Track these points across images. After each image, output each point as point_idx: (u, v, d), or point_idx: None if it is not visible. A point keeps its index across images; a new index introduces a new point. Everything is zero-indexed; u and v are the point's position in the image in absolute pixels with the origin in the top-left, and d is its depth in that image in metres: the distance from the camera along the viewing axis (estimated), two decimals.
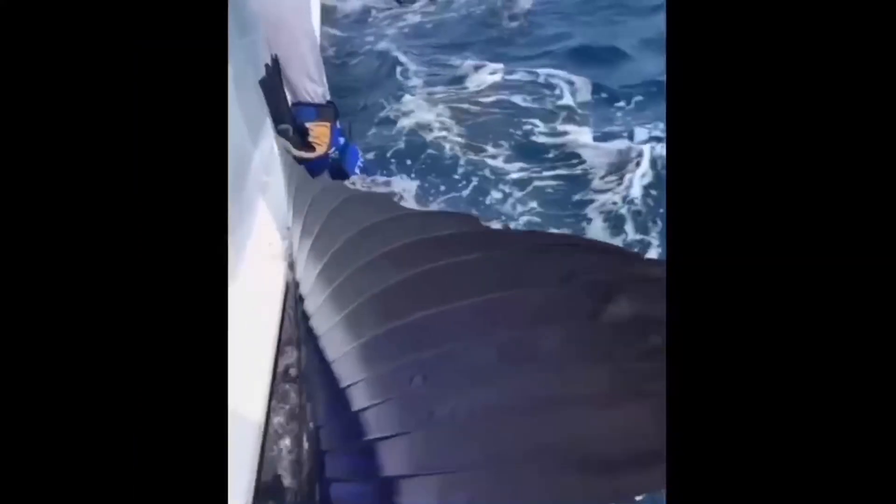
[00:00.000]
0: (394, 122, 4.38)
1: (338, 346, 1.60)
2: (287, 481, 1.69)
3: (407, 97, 4.71)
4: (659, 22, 5.14)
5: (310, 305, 1.75)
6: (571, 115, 4.37)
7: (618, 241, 3.16)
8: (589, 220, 3.39)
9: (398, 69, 5.32)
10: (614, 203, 3.47)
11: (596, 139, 4.05)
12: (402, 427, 1.46)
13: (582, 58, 5.20)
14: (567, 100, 4.62)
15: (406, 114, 4.47)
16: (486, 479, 1.36)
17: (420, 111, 4.51)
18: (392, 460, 1.42)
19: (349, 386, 1.55)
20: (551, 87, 4.80)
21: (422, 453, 1.41)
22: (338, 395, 1.54)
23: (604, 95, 4.63)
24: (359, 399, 1.51)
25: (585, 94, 4.67)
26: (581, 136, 4.11)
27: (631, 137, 3.99)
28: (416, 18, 6.64)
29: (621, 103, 4.54)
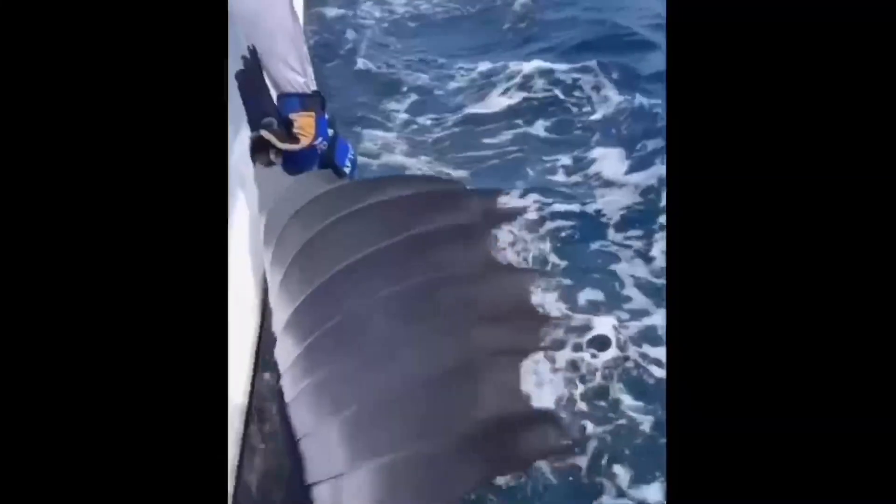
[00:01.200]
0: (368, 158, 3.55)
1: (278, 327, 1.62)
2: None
3: (379, 134, 3.79)
4: None
5: (271, 286, 1.74)
6: (603, 139, 3.66)
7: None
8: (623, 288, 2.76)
9: (379, 83, 4.29)
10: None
11: (629, 169, 3.40)
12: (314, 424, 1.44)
13: (599, 50, 4.40)
14: (597, 114, 3.86)
15: (377, 156, 3.60)
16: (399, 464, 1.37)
17: (400, 156, 3.65)
18: (308, 465, 1.41)
19: (283, 375, 1.55)
20: (579, 105, 3.96)
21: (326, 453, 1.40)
22: (281, 392, 1.53)
23: (627, 97, 3.91)
24: (288, 391, 1.50)
25: (613, 97, 3.94)
26: (609, 163, 3.46)
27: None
28: (411, 13, 5.45)
29: (642, 99, 3.85)
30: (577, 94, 4.03)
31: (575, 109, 3.93)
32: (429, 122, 3.95)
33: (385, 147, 3.67)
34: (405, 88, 4.28)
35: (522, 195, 3.27)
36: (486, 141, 3.76)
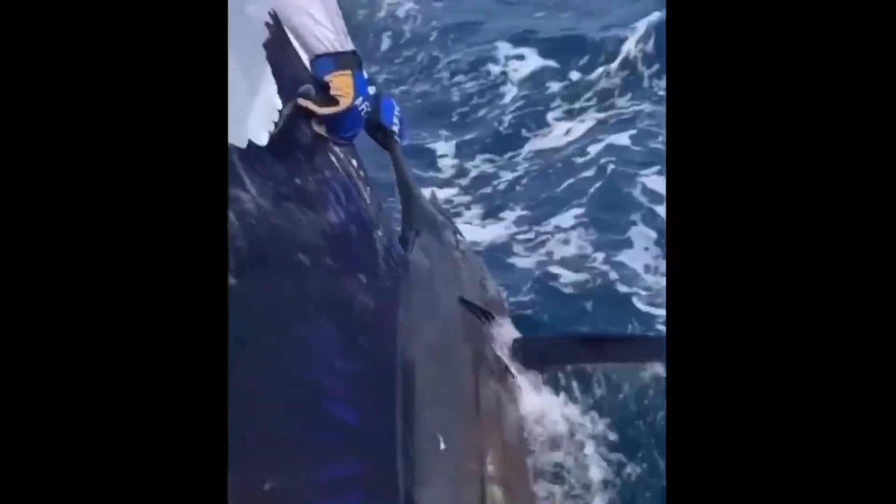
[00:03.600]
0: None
1: None
2: None
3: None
4: None
5: None
6: None
7: None
8: None
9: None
10: None
11: None
12: None
13: None
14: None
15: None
16: None
17: (477, 226, 2.91)
18: None
19: None
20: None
21: None
22: None
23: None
24: None
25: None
26: None
27: None
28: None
29: None
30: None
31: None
32: (490, 169, 3.15)
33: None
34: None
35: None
36: (580, 170, 3.00)
